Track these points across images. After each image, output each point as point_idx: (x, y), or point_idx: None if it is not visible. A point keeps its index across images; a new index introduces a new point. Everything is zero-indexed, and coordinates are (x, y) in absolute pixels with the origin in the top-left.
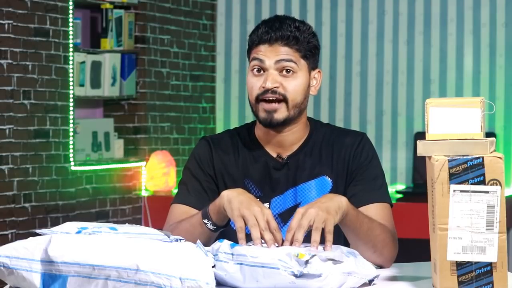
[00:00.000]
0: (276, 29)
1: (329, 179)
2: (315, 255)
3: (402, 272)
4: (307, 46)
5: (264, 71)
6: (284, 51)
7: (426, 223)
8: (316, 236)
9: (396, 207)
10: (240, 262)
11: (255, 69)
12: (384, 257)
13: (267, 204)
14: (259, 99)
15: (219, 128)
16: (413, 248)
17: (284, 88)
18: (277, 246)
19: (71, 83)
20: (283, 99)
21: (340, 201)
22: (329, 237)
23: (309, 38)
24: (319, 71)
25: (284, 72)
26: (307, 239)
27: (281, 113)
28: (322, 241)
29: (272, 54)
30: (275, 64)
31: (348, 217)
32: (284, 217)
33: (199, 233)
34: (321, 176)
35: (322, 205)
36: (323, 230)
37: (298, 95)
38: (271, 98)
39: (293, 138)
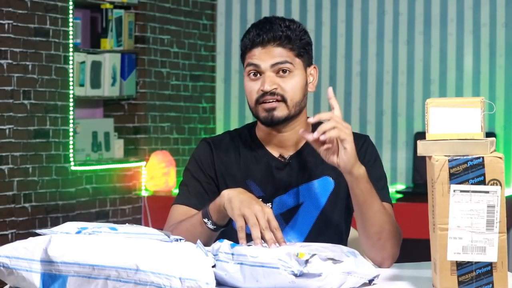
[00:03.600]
0: (267, 31)
1: (332, 179)
2: (315, 254)
3: (402, 272)
4: (300, 44)
5: (260, 74)
6: (278, 53)
7: (426, 223)
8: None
9: (396, 207)
10: (240, 262)
11: (251, 74)
12: (386, 251)
13: (269, 204)
14: (259, 101)
15: (219, 128)
16: (413, 248)
17: (282, 89)
18: (277, 246)
19: (71, 83)
20: (282, 100)
21: (361, 166)
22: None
23: (301, 35)
24: (314, 67)
25: (280, 72)
26: (308, 239)
27: (281, 111)
28: (323, 242)
29: (266, 57)
30: (271, 67)
31: (362, 185)
32: (285, 217)
33: (200, 232)
34: (323, 176)
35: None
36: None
37: (297, 93)
38: (270, 100)
39: (294, 138)
